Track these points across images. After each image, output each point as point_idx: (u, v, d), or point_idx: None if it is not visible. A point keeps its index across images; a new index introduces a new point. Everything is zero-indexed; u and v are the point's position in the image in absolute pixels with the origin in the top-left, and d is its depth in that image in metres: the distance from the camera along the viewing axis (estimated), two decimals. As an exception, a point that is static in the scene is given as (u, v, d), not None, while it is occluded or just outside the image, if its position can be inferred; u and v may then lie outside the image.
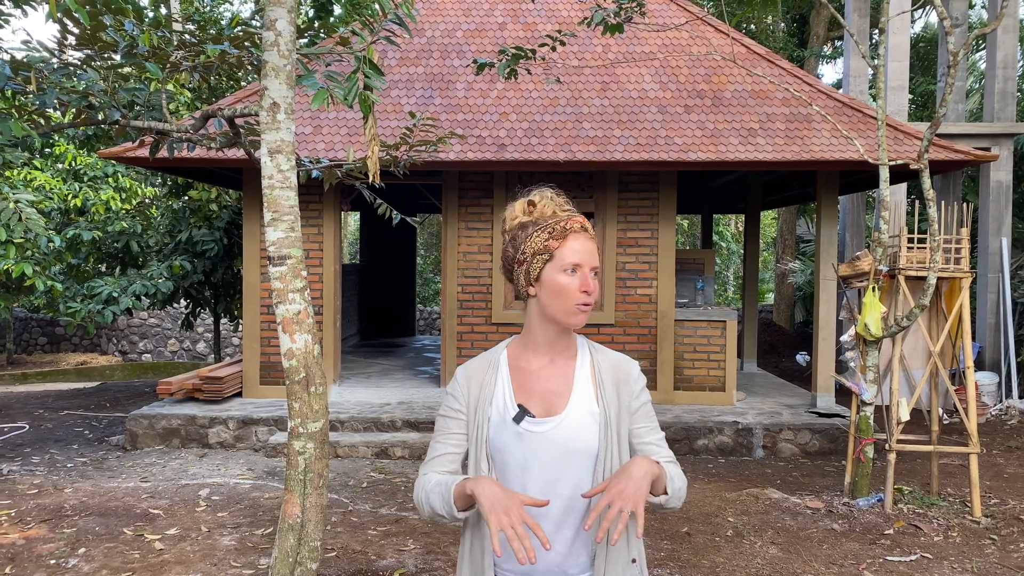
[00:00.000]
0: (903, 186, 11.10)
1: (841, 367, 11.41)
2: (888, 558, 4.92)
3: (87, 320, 10.22)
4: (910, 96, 16.76)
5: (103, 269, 11.88)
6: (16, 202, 5.28)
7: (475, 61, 5.71)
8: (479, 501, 1.65)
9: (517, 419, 1.82)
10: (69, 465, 7.40)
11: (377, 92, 4.60)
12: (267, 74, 4.18)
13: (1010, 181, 10.96)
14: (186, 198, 11.15)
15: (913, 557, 4.94)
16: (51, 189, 12.51)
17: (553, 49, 5.58)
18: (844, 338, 6.02)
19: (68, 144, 12.97)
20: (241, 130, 5.12)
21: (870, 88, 13.52)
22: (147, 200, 13.82)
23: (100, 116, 4.89)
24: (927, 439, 6.27)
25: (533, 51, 5.48)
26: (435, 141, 6.16)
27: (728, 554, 5.03)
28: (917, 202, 6.59)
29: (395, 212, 6.62)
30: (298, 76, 4.40)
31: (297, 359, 4.11)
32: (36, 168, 13.16)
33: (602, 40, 9.24)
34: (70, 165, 13.88)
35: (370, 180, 4.66)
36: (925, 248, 5.84)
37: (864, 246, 12.98)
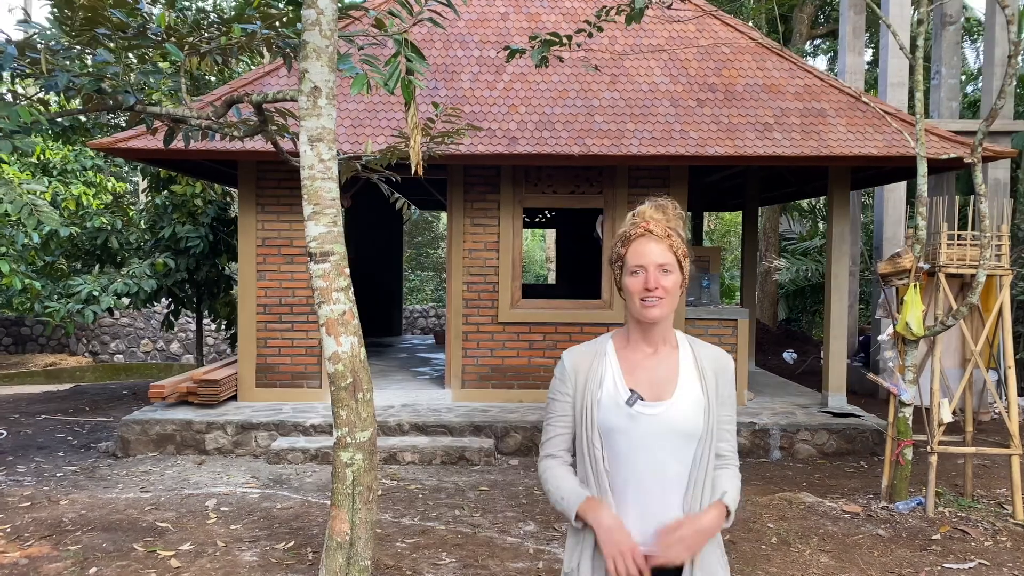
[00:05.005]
0: (902, 185, 11.06)
1: (873, 367, 11.35)
2: (946, 566, 4.76)
3: (66, 320, 9.73)
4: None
5: (79, 267, 11.36)
6: (29, 193, 4.88)
7: (506, 47, 5.44)
8: (597, 533, 1.95)
9: (630, 402, 2.00)
10: (59, 474, 6.97)
11: (419, 77, 4.31)
12: (307, 56, 3.86)
13: (1008, 179, 10.98)
14: (167, 193, 10.67)
15: (971, 565, 4.78)
16: (19, 183, 11.94)
17: (590, 35, 5.33)
18: (882, 337, 5.86)
19: (38, 135, 12.37)
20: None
21: (872, 87, 13.48)
22: (121, 195, 13.30)
23: (112, 101, 4.51)
24: (959, 440, 6.15)
25: (569, 37, 5.22)
26: (454, 132, 5.88)
27: (780, 563, 4.82)
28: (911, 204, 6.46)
29: (413, 207, 6.32)
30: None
31: (344, 363, 3.80)
32: (2, 161, 12.54)
33: (609, 32, 9.01)
34: (39, 158, 13.29)
35: (412, 170, 4.36)
36: (965, 244, 5.70)
37: (860, 244, 12.95)
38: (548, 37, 5.31)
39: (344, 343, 3.81)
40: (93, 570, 4.64)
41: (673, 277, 2.00)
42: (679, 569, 1.99)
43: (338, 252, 3.88)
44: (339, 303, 3.83)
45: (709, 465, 2.02)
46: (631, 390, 2.01)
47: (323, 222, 3.85)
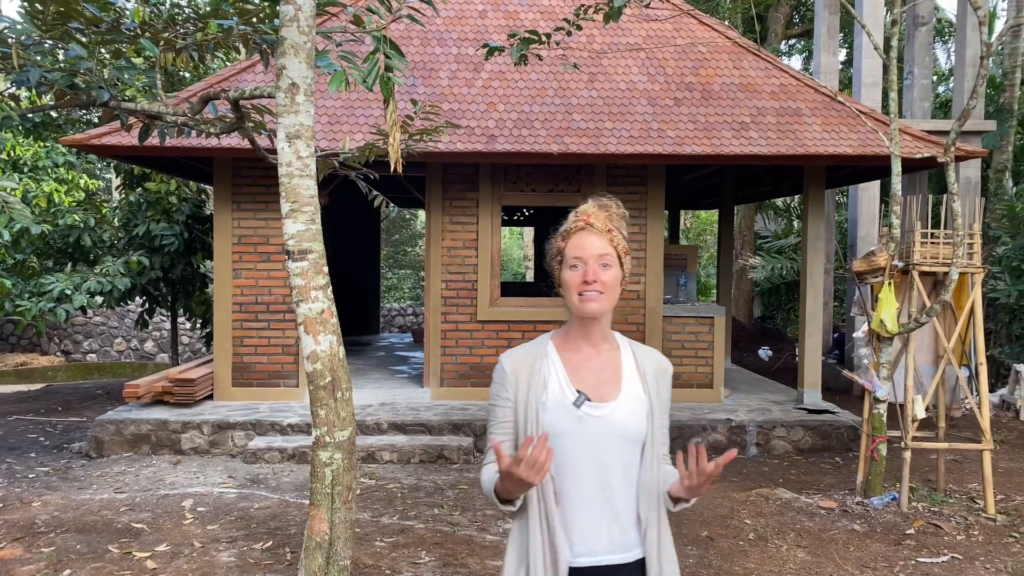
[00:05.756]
0: (876, 184, 11.19)
1: (848, 363, 11.47)
2: (920, 560, 4.83)
3: (38, 319, 9.58)
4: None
5: (51, 265, 11.18)
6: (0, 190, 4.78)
7: (485, 45, 5.42)
8: (506, 480, 1.81)
9: (578, 403, 1.95)
10: (31, 476, 6.87)
11: (398, 74, 4.29)
12: (285, 52, 3.83)
13: (979, 178, 11.14)
14: (141, 190, 10.54)
15: (944, 559, 4.85)
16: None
17: (569, 34, 5.33)
18: (857, 335, 5.93)
19: (8, 131, 12.16)
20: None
21: (846, 86, 13.61)
22: (94, 192, 13.13)
23: (85, 97, 4.44)
24: (932, 435, 6.23)
25: (548, 35, 5.21)
26: (433, 130, 5.85)
27: (757, 559, 4.86)
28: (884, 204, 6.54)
29: (392, 204, 6.30)
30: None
31: (322, 362, 3.78)
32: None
33: (587, 30, 9.02)
34: (9, 154, 13.07)
35: (392, 168, 4.33)
36: (938, 243, 5.77)
37: (835, 242, 13.08)
38: (527, 35, 5.30)
39: (323, 342, 3.79)
40: (67, 572, 4.58)
41: (613, 272, 1.97)
42: (640, 566, 2.00)
43: (316, 250, 3.85)
44: (317, 301, 3.80)
45: (656, 466, 2.01)
46: (578, 391, 1.97)
47: (301, 220, 3.82)
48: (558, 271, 2.05)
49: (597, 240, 1.97)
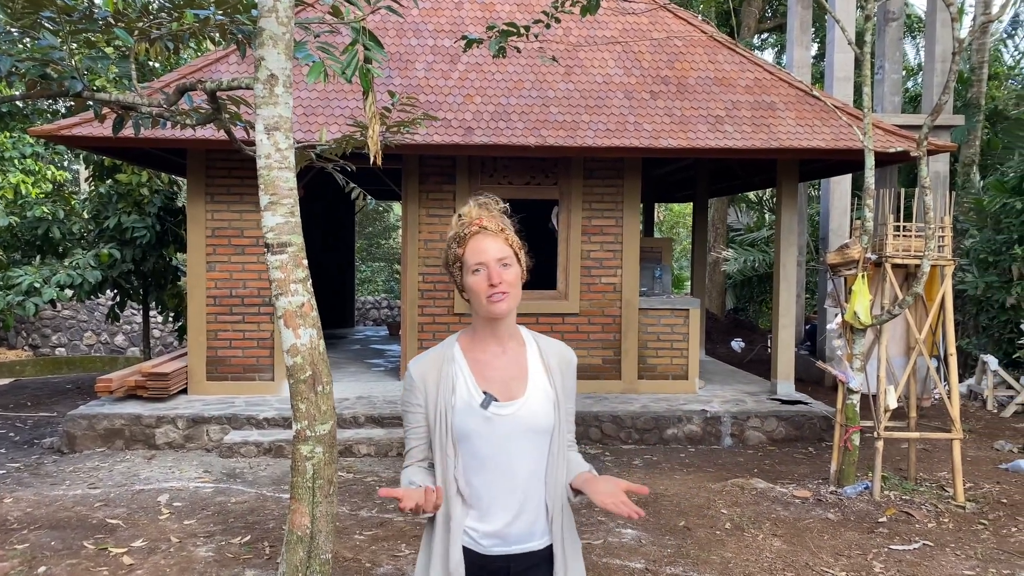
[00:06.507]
0: (847, 178, 11.33)
1: (819, 354, 11.61)
2: (893, 547, 4.92)
3: (6, 313, 9.41)
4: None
5: (19, 258, 10.98)
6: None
7: (464, 37, 5.41)
8: (402, 501, 1.88)
9: (484, 405, 2.02)
10: (1, 472, 6.76)
11: (376, 65, 4.27)
12: (264, 43, 3.79)
13: (947, 172, 11.31)
14: (111, 182, 10.38)
15: (916, 546, 4.95)
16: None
17: (548, 26, 5.33)
18: (831, 326, 6.01)
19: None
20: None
21: (824, 80, 13.74)
22: (61, 184, 12.91)
23: (57, 87, 4.36)
24: (904, 425, 6.34)
25: (527, 27, 5.22)
26: (410, 122, 5.83)
27: (734, 548, 4.93)
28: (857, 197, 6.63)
29: (368, 196, 6.27)
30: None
31: (303, 356, 3.76)
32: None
33: (563, 23, 9.02)
34: (-26, 145, 12.81)
35: (371, 161, 4.31)
36: (910, 236, 5.86)
37: (806, 235, 13.23)
38: (506, 27, 5.30)
39: (303, 335, 3.77)
40: (42, 569, 4.52)
41: (513, 270, 2.02)
42: (548, 553, 2.08)
43: (296, 243, 3.83)
44: (297, 295, 3.78)
45: (561, 456, 2.09)
46: (484, 392, 2.03)
47: (280, 212, 3.79)
48: (459, 276, 2.08)
49: (494, 243, 2.02)
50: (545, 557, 2.09)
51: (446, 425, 2.03)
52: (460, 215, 2.10)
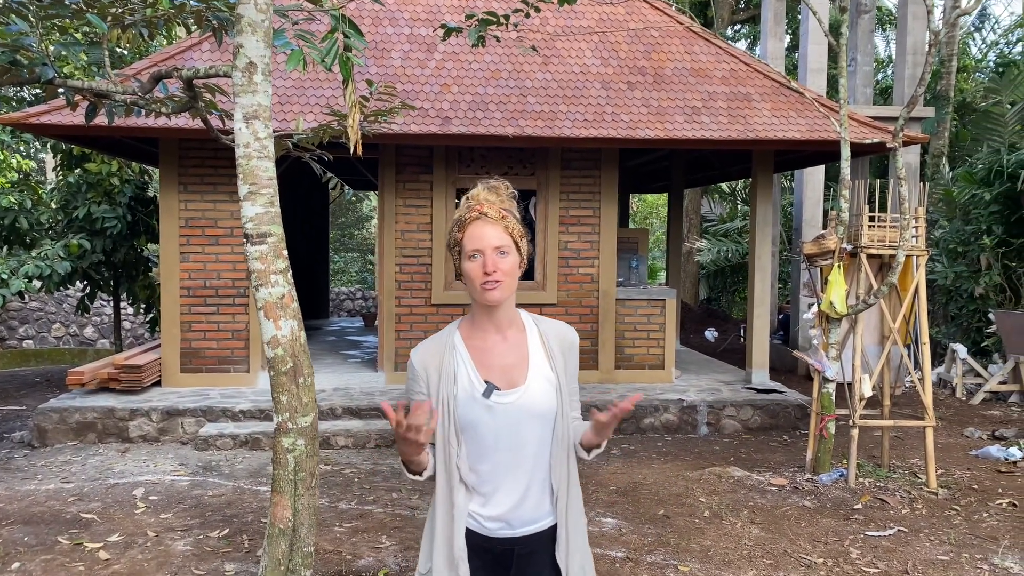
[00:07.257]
0: (820, 169, 11.43)
1: (793, 343, 11.71)
2: (868, 533, 4.99)
3: (-27, 305, 9.21)
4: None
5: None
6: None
7: (443, 26, 5.36)
8: (396, 439, 1.92)
9: (487, 394, 2.02)
10: (-30, 467, 6.64)
11: (356, 54, 4.23)
12: (242, 30, 3.73)
13: (918, 163, 11.46)
14: (80, 171, 10.18)
15: (891, 531, 5.02)
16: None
17: (528, 15, 5.30)
18: (807, 316, 6.07)
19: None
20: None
21: (795, 71, 13.82)
22: (27, 173, 12.65)
23: (28, 74, 4.27)
24: (878, 413, 6.43)
25: (507, 16, 5.18)
26: (388, 111, 5.78)
27: (713, 536, 4.97)
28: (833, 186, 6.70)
29: (346, 186, 6.20)
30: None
31: (283, 347, 3.72)
32: None
33: (540, 12, 8.99)
34: (-63, 133, 12.49)
35: (351, 150, 4.27)
36: (885, 226, 5.93)
37: (779, 225, 13.35)
38: (485, 16, 5.26)
39: (284, 327, 3.73)
40: (16, 565, 4.45)
41: (511, 259, 2.02)
42: (553, 533, 2.09)
43: (276, 233, 3.78)
44: (278, 286, 3.74)
45: (566, 438, 2.10)
46: (486, 382, 2.04)
47: (260, 202, 3.74)
48: (457, 261, 2.08)
49: (492, 230, 2.00)
50: (550, 537, 2.11)
51: (449, 415, 2.04)
52: (468, 197, 2.09)
